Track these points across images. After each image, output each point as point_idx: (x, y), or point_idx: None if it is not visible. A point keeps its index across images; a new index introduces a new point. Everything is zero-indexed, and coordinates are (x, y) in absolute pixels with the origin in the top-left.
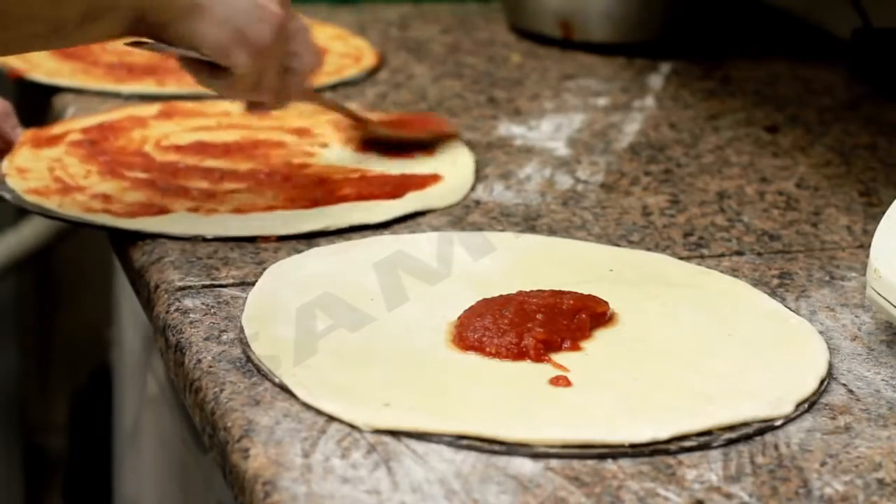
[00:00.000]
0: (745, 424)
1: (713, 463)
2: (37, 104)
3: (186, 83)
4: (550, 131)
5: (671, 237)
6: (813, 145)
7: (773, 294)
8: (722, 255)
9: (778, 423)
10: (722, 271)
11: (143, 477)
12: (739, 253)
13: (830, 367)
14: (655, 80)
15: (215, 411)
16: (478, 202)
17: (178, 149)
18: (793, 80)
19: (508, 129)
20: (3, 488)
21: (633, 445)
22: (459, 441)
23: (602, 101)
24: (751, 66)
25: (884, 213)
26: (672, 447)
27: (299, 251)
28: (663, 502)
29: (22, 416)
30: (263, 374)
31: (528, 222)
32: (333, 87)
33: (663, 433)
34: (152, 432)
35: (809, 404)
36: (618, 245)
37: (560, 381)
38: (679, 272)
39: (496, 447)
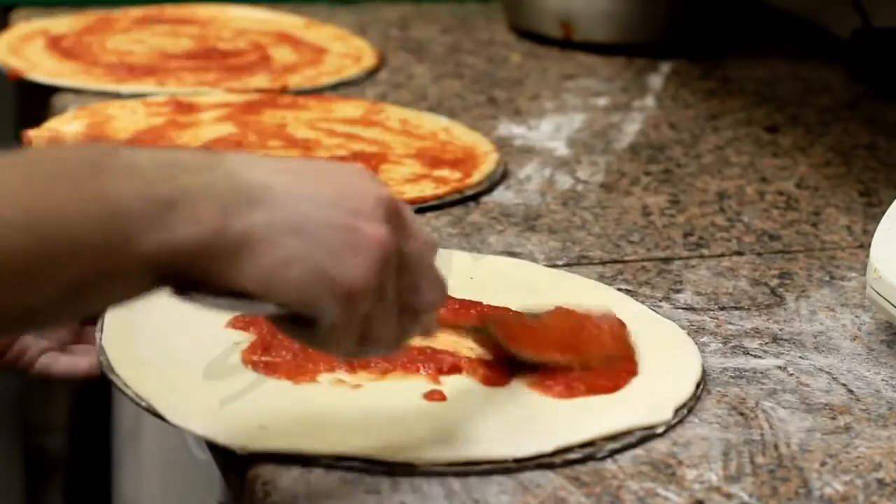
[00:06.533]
0: (628, 433)
1: (713, 463)
2: (37, 104)
3: (187, 83)
4: (550, 131)
5: (671, 237)
6: (813, 145)
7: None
8: (722, 255)
9: (660, 430)
10: (722, 271)
11: (143, 477)
12: (739, 253)
13: (704, 372)
14: (655, 80)
15: None
16: (478, 202)
17: None
18: (793, 80)
19: (508, 129)
20: (3, 488)
21: (516, 461)
22: (339, 463)
23: (602, 101)
24: (751, 66)
25: (884, 213)
26: (556, 460)
27: None
28: (663, 502)
29: (22, 416)
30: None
31: (528, 222)
32: (334, 87)
33: (548, 446)
34: (152, 432)
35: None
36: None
37: (435, 396)
38: (542, 278)
39: (378, 468)
